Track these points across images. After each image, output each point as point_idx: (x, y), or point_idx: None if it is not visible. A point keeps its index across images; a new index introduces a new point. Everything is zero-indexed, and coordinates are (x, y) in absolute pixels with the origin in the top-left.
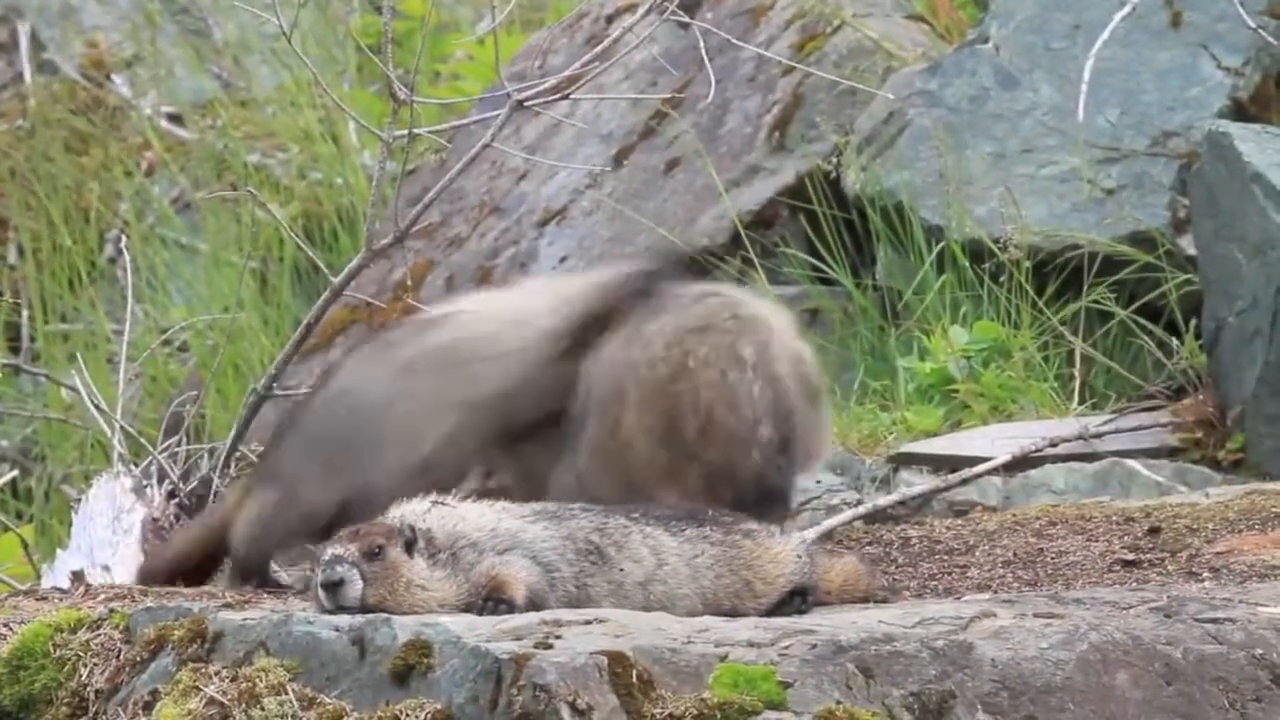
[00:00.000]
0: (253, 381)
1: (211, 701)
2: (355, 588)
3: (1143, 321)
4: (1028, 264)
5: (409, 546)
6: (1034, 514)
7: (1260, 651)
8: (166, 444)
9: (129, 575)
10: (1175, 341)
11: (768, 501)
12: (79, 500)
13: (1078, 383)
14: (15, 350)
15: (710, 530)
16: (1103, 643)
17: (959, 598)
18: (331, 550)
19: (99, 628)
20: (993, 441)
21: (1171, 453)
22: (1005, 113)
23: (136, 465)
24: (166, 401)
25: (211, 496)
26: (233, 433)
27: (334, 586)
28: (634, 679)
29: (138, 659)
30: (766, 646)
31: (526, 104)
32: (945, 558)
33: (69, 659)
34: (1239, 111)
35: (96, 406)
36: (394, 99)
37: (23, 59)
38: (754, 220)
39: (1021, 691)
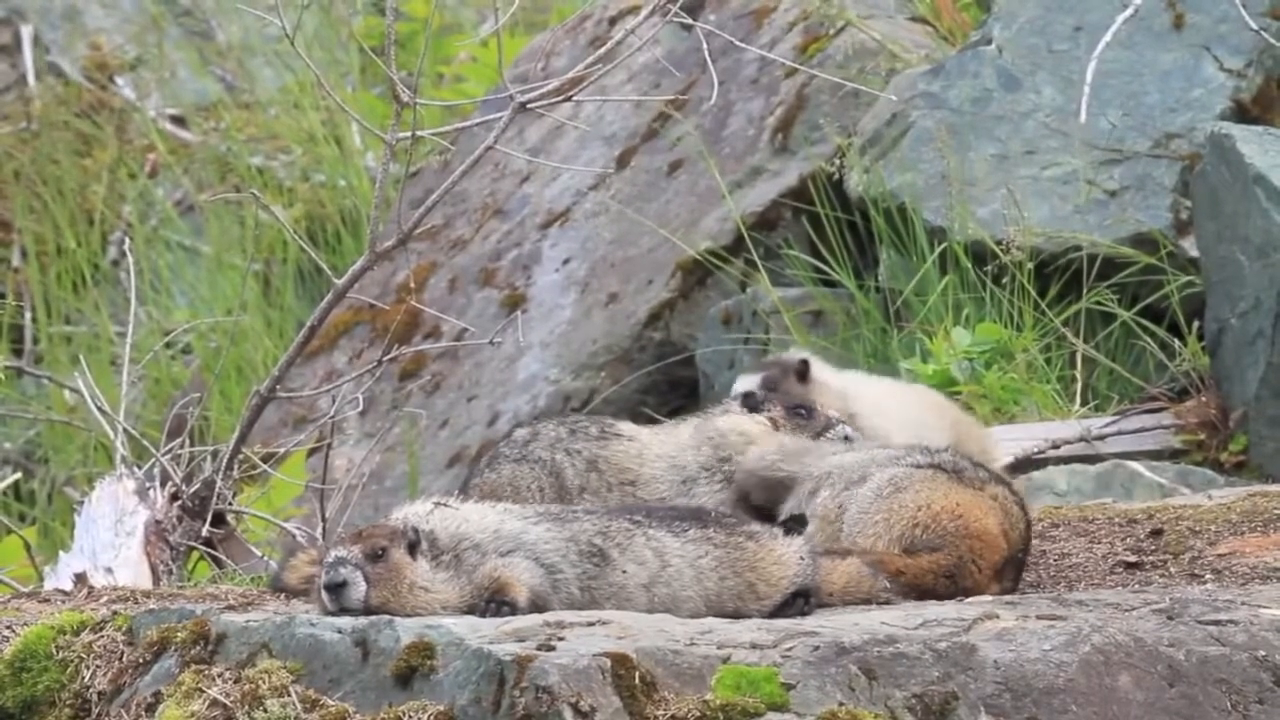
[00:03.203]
0: (256, 384)
1: (214, 703)
2: (358, 589)
3: (1145, 323)
4: (1030, 265)
5: (412, 548)
6: (1036, 516)
7: (1263, 653)
8: (169, 446)
9: (131, 577)
10: (1177, 343)
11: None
12: (82, 502)
13: (1080, 384)
14: (18, 352)
15: (713, 532)
16: (1105, 644)
17: (962, 599)
18: (335, 552)
19: (101, 630)
20: (995, 443)
21: (1174, 454)
22: (1008, 114)
23: (139, 467)
24: (169, 403)
25: (214, 498)
26: (235, 435)
27: (337, 588)
28: (637, 680)
29: (140, 661)
30: (769, 648)
31: (529, 106)
32: None
33: (71, 661)
34: (1241, 113)
35: (99, 409)
36: (397, 101)
37: (26, 61)
38: (757, 222)
39: (1024, 693)
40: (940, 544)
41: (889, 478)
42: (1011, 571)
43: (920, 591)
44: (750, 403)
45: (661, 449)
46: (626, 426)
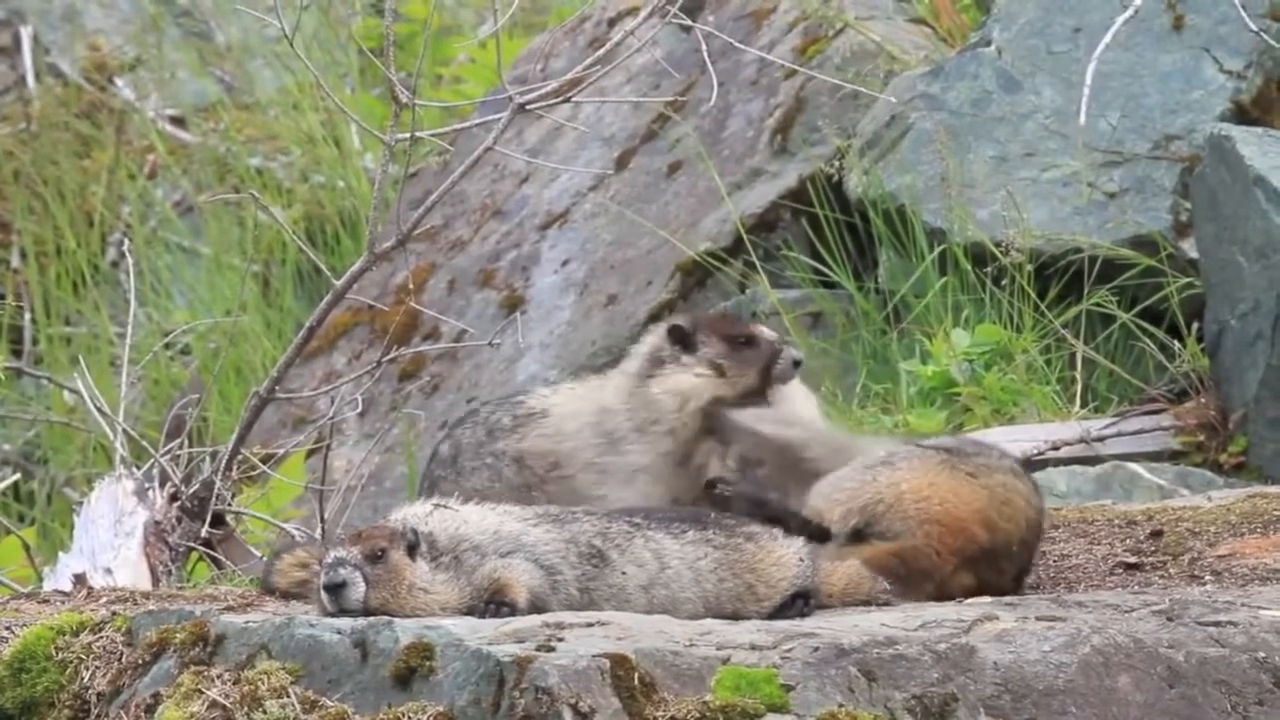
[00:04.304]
0: (255, 384)
1: (213, 705)
2: (358, 590)
3: (1144, 325)
4: (1030, 267)
5: (411, 549)
6: None
7: (1262, 654)
8: (168, 447)
9: (130, 578)
10: (1177, 345)
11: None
12: (81, 503)
13: (1079, 386)
14: (18, 353)
15: (713, 534)
16: (1105, 646)
17: (961, 601)
18: (334, 553)
19: (101, 631)
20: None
21: (1173, 456)
22: (1007, 116)
23: (138, 468)
24: (169, 404)
25: (214, 499)
26: (234, 435)
27: (336, 589)
28: (636, 682)
29: (139, 662)
30: (769, 649)
31: (528, 107)
32: None
33: (71, 662)
34: (1241, 114)
35: (99, 409)
36: (396, 102)
37: (26, 63)
38: (756, 223)
39: (1024, 694)
40: (901, 528)
41: (886, 454)
42: (1002, 566)
43: (884, 574)
44: (679, 336)
45: (579, 420)
46: (538, 399)
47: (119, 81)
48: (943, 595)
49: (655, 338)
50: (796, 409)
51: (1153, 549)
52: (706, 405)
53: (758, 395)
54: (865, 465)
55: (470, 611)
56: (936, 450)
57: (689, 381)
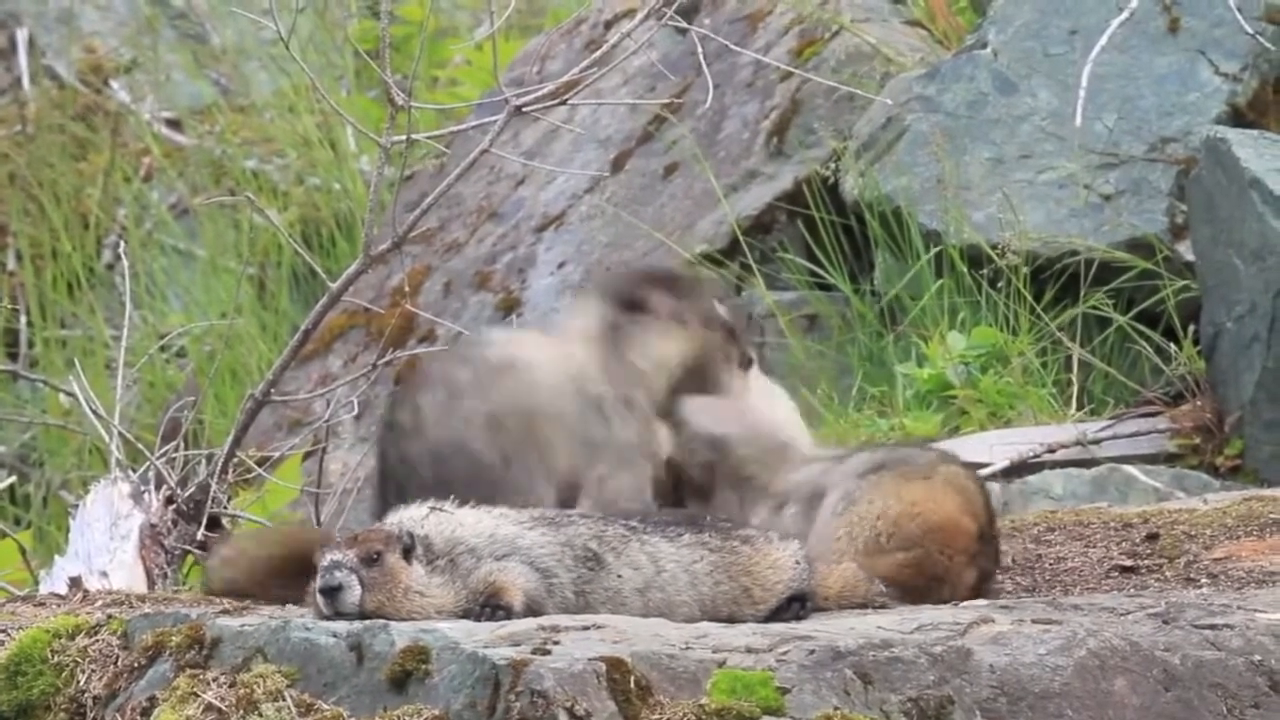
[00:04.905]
0: (250, 387)
1: (209, 708)
2: (353, 593)
3: (1141, 327)
4: (1026, 269)
5: (407, 552)
6: (1032, 520)
7: (1258, 658)
8: (164, 450)
9: (126, 581)
10: (1173, 347)
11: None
12: (77, 506)
13: (1076, 388)
14: (14, 356)
15: (708, 536)
16: (1101, 649)
17: (957, 603)
18: (330, 556)
19: (97, 634)
20: (990, 447)
21: (1169, 459)
22: (1003, 118)
23: (134, 471)
24: (164, 407)
25: (209, 502)
26: (230, 438)
27: (332, 592)
28: (632, 685)
29: (135, 665)
30: (764, 652)
31: (525, 109)
32: None
33: (67, 665)
34: (1237, 117)
35: (94, 412)
36: (392, 104)
37: (21, 65)
38: (752, 225)
39: (1020, 697)
40: (907, 546)
41: (840, 494)
42: (990, 546)
43: (898, 587)
44: (626, 301)
45: (554, 374)
46: (513, 352)
47: (114, 84)
48: (955, 597)
49: (601, 305)
50: (755, 406)
51: (1149, 552)
52: (681, 362)
53: (723, 344)
54: (832, 513)
55: (466, 614)
56: (874, 470)
57: (663, 346)
